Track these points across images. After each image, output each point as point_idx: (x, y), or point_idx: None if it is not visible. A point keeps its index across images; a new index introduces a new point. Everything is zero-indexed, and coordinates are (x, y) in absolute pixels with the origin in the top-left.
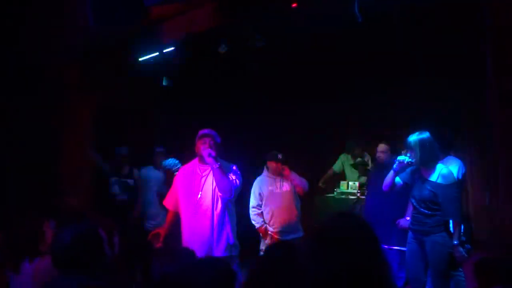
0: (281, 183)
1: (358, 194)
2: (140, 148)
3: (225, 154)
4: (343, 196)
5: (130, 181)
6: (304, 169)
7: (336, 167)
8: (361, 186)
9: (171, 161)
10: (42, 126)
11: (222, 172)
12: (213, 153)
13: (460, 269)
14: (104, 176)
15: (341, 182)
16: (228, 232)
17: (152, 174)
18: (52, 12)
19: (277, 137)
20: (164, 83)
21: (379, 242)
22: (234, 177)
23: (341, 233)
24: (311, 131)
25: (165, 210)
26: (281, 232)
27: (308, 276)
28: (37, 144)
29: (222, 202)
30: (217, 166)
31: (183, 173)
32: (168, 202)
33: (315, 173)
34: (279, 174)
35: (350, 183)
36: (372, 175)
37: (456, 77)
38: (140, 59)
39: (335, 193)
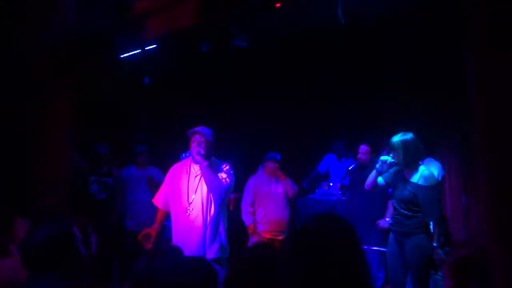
0: (276, 184)
1: (339, 195)
2: (120, 146)
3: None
4: (324, 197)
5: (109, 180)
6: (289, 170)
7: (321, 168)
8: (342, 188)
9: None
10: (17, 122)
11: (211, 171)
12: (202, 151)
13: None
14: (82, 174)
15: (322, 183)
16: (221, 233)
17: (134, 173)
18: (30, 5)
19: (261, 138)
20: (146, 81)
21: (360, 242)
22: (225, 176)
23: (321, 234)
24: (295, 132)
25: (146, 210)
26: (272, 232)
27: (287, 276)
28: (13, 141)
29: (215, 202)
30: (205, 164)
31: (175, 171)
32: (158, 201)
33: (298, 174)
34: (274, 175)
35: (331, 184)
36: (353, 176)
37: (437, 83)
38: (122, 56)
39: (316, 194)
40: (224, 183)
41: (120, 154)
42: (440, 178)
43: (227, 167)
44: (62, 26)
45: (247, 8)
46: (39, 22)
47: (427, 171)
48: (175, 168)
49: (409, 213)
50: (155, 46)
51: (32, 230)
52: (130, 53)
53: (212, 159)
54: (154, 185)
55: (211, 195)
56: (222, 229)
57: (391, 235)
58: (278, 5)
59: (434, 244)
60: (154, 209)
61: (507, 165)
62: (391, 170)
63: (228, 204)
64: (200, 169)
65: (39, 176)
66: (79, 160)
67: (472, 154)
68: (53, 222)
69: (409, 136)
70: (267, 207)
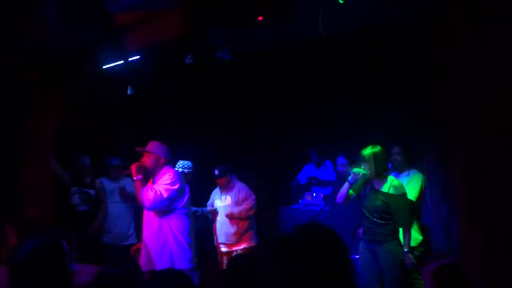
0: (225, 196)
1: (323, 205)
2: (100, 157)
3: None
4: (308, 207)
5: (91, 192)
6: (268, 180)
7: (301, 177)
8: (325, 198)
9: (186, 164)
10: (1, 133)
11: (139, 185)
12: (133, 167)
13: (419, 277)
14: (64, 185)
15: (306, 194)
16: (172, 245)
17: (107, 186)
18: (13, 14)
19: (241, 149)
20: (128, 92)
21: (347, 250)
22: (156, 189)
23: (301, 241)
24: (274, 143)
25: (120, 222)
26: (221, 244)
27: (270, 285)
28: None
29: (158, 215)
30: (136, 178)
31: None
32: None
33: (279, 184)
34: (225, 188)
35: (314, 194)
36: (334, 187)
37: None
38: (104, 67)
39: (300, 204)
40: (148, 196)
41: (98, 165)
42: (422, 188)
43: (165, 177)
44: (44, 38)
45: (229, 21)
46: (20, 35)
47: (396, 180)
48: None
49: (382, 222)
50: (138, 57)
51: (21, 241)
52: (113, 64)
53: (162, 171)
54: (127, 197)
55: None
56: (172, 241)
57: (361, 244)
58: (260, 18)
59: (405, 250)
60: (129, 221)
61: (480, 177)
62: (359, 182)
63: (190, 215)
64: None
65: (22, 187)
66: (61, 172)
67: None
68: (41, 234)
69: (378, 148)
70: (217, 220)
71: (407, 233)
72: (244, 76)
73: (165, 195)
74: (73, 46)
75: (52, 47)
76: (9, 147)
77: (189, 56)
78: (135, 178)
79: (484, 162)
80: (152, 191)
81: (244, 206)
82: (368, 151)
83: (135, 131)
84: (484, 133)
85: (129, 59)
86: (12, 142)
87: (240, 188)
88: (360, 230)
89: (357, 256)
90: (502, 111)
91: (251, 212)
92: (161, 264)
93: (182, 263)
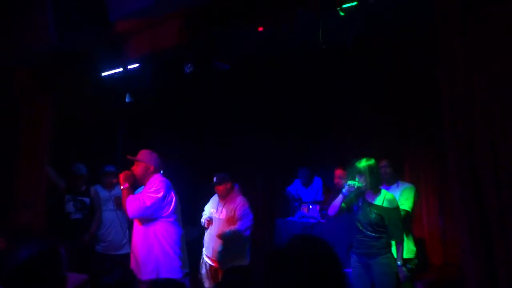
0: (222, 208)
1: (319, 218)
2: (95, 165)
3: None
4: (304, 220)
5: (86, 200)
6: (263, 192)
7: (290, 189)
8: (321, 210)
9: None
10: None
11: (125, 194)
12: (120, 176)
13: None
14: (59, 193)
15: (302, 206)
16: (158, 255)
17: (102, 194)
18: (12, 19)
19: (237, 160)
20: (127, 100)
21: (339, 261)
22: (139, 197)
23: (300, 253)
24: (271, 154)
25: (114, 231)
26: (210, 259)
27: None
28: None
29: (143, 223)
30: (123, 187)
31: None
32: None
33: (274, 196)
34: (223, 197)
35: (311, 206)
36: (330, 200)
37: (413, 106)
38: (103, 74)
39: (296, 216)
40: (133, 205)
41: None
42: (415, 198)
43: (151, 185)
44: (42, 44)
45: (230, 30)
46: (19, 41)
47: (389, 194)
48: None
49: (376, 235)
50: (137, 65)
51: (13, 249)
52: (112, 72)
53: (151, 180)
54: (121, 205)
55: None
56: (158, 249)
57: (353, 258)
58: (260, 28)
59: (398, 263)
60: (123, 230)
61: (481, 191)
62: (352, 195)
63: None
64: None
65: (16, 193)
66: (57, 179)
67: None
68: (37, 241)
69: (372, 161)
70: (209, 231)
71: (400, 246)
72: (242, 85)
73: (148, 203)
74: (72, 54)
75: (50, 54)
76: (4, 153)
77: (189, 65)
78: (122, 187)
79: (483, 170)
80: (136, 199)
81: (238, 226)
82: (363, 163)
83: (132, 139)
84: (485, 142)
85: (128, 67)
86: (7, 149)
87: (238, 204)
88: None
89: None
90: (503, 119)
91: (246, 233)
92: (146, 273)
93: (169, 272)
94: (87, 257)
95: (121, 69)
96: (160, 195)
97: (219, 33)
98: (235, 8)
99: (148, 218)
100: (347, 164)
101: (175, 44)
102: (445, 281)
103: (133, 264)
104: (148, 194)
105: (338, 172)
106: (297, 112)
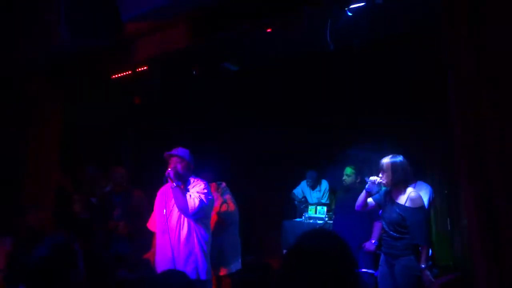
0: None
1: (326, 219)
2: (105, 166)
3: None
4: (311, 221)
5: (93, 199)
6: (270, 194)
7: (296, 191)
8: (329, 211)
9: None
10: (6, 139)
11: (180, 192)
12: (171, 174)
13: None
14: (67, 193)
15: (310, 207)
16: (197, 254)
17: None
18: (22, 22)
19: (245, 161)
20: (136, 102)
21: (351, 253)
22: (196, 196)
23: (312, 248)
24: (279, 156)
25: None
26: None
27: None
28: (1, 158)
29: (188, 223)
30: (173, 186)
31: (160, 193)
32: (151, 225)
33: (282, 198)
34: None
35: (319, 207)
36: (338, 198)
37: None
38: (112, 76)
39: (303, 217)
40: (193, 204)
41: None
42: (431, 200)
43: (202, 186)
44: (54, 42)
45: (239, 32)
46: (31, 40)
47: (414, 193)
48: (161, 191)
49: (397, 235)
50: (145, 68)
51: (27, 248)
52: (121, 74)
53: (190, 179)
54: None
55: (183, 216)
56: (198, 250)
57: (382, 257)
58: (269, 30)
59: (422, 266)
60: None
61: (491, 193)
62: (381, 192)
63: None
64: (171, 190)
65: (26, 194)
66: (65, 180)
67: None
68: (53, 238)
69: (398, 158)
70: None
71: (425, 249)
72: (251, 87)
73: (206, 203)
74: (82, 55)
75: (59, 56)
76: (14, 154)
77: (197, 67)
78: (175, 185)
79: (493, 174)
80: (197, 198)
81: None
82: (386, 160)
83: (141, 141)
84: (494, 142)
85: (137, 70)
86: (17, 150)
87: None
88: (366, 244)
89: (363, 270)
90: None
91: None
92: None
93: (203, 274)
94: (100, 258)
95: (129, 72)
96: (211, 196)
97: (227, 34)
98: (243, 9)
99: (199, 218)
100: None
101: (184, 46)
102: (455, 284)
103: (163, 264)
104: (204, 194)
105: (347, 170)
106: (306, 114)
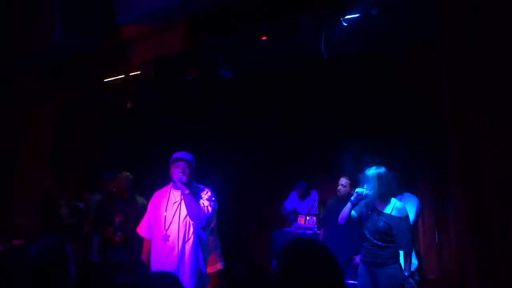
0: None
1: (316, 229)
2: (96, 171)
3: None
4: (301, 231)
5: (81, 205)
6: (262, 203)
7: (287, 203)
8: (318, 222)
9: None
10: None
11: (193, 199)
12: (184, 179)
13: None
14: (54, 197)
15: (299, 217)
16: (201, 262)
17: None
18: (22, 22)
19: (235, 170)
20: (128, 106)
21: (337, 261)
22: (206, 204)
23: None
24: (270, 166)
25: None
26: None
27: None
28: None
29: (194, 231)
30: (187, 192)
31: (156, 198)
32: (142, 230)
33: (271, 207)
34: None
35: (308, 217)
36: (330, 208)
37: (414, 120)
38: (106, 79)
39: (292, 227)
40: (205, 212)
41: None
42: (418, 212)
43: (209, 193)
44: (49, 42)
45: (234, 39)
46: (26, 40)
47: (399, 203)
48: (156, 195)
49: (383, 244)
50: (139, 72)
51: (22, 246)
52: (115, 78)
53: (193, 185)
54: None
55: (190, 223)
56: (201, 258)
57: (361, 267)
58: (264, 38)
59: (406, 274)
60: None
61: (484, 204)
62: (362, 203)
63: (210, 232)
64: (183, 197)
65: (14, 196)
66: (53, 184)
67: (445, 193)
68: (45, 239)
69: (382, 169)
70: None
71: (408, 257)
72: (245, 94)
73: (212, 210)
74: (76, 57)
75: (53, 56)
76: (3, 158)
77: (191, 73)
78: (188, 192)
79: (487, 182)
80: (210, 206)
81: None
82: (372, 171)
83: (133, 145)
84: (489, 151)
85: (131, 73)
86: (6, 152)
87: None
88: (356, 257)
89: (351, 281)
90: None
91: None
92: (190, 284)
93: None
94: (80, 268)
95: (123, 75)
96: (214, 199)
97: (223, 41)
98: (240, 15)
99: (204, 226)
100: (352, 173)
101: (179, 51)
102: None
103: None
104: (209, 199)
105: (343, 180)
106: (298, 124)
